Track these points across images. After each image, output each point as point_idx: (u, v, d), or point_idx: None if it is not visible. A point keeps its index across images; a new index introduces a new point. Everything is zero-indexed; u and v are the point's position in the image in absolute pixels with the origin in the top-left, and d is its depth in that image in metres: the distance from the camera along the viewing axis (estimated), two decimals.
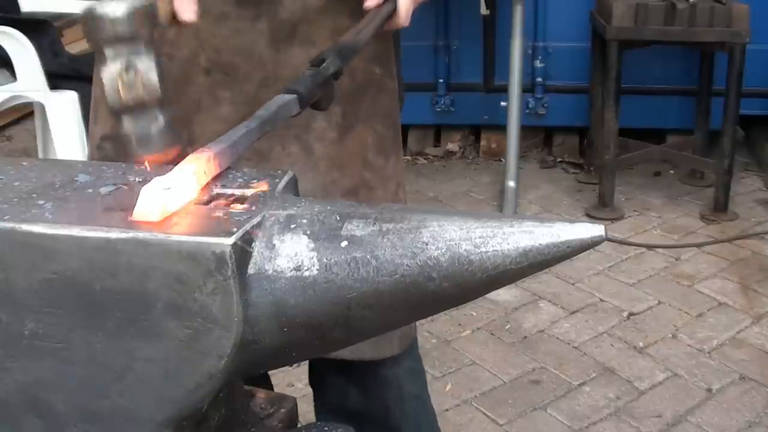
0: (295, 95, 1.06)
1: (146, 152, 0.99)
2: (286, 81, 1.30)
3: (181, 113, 1.32)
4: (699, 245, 3.42)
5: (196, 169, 0.87)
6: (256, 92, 1.32)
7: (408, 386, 1.63)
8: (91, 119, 1.45)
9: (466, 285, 0.81)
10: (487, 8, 3.88)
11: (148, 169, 0.95)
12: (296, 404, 1.07)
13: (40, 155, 3.62)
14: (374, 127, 1.43)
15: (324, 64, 1.11)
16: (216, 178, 0.91)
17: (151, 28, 1.00)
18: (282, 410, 1.04)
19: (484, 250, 0.80)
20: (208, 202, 0.87)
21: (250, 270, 0.82)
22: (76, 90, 3.19)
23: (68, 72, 3.40)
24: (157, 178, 0.83)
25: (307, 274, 0.82)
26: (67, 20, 3.66)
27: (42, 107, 3.35)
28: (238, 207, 0.85)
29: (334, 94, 1.13)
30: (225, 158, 0.92)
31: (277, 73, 1.33)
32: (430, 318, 2.60)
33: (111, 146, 1.39)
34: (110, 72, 0.98)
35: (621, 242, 3.42)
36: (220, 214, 0.83)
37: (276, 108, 1.04)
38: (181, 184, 0.84)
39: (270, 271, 0.82)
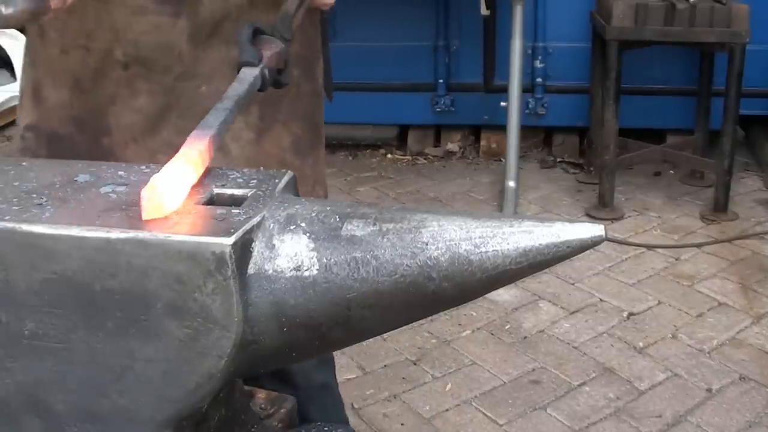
0: (257, 68, 1.04)
1: (9, 10, 0.95)
2: (204, 76, 1.31)
3: (97, 105, 1.33)
4: (699, 245, 3.41)
5: (193, 160, 0.88)
6: (173, 84, 1.32)
7: (316, 375, 1.68)
8: (18, 111, 1.46)
9: (466, 285, 0.81)
10: (487, 8, 3.88)
11: (147, 169, 0.95)
12: (296, 404, 1.07)
13: None
14: (291, 129, 1.44)
15: (276, 31, 1.10)
16: (214, 177, 0.91)
17: None
18: (282, 410, 1.04)
19: (484, 250, 0.80)
20: (208, 202, 0.87)
21: (250, 270, 0.82)
22: None
23: None
24: (156, 175, 0.84)
25: (307, 274, 0.82)
26: None
27: None
28: (238, 207, 0.85)
29: (290, 62, 1.12)
30: (213, 145, 0.93)
31: (196, 68, 1.33)
32: (430, 318, 2.60)
33: (32, 136, 1.40)
34: None
35: (621, 242, 3.42)
36: (220, 213, 0.83)
37: (248, 86, 1.02)
38: (180, 177, 0.85)
39: (270, 271, 0.82)
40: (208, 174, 0.92)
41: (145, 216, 0.81)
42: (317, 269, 0.82)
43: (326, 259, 0.82)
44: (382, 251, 0.81)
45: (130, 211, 0.84)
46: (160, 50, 1.30)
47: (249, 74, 1.04)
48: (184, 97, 1.32)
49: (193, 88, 1.32)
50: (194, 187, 0.88)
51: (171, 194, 0.83)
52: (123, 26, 1.30)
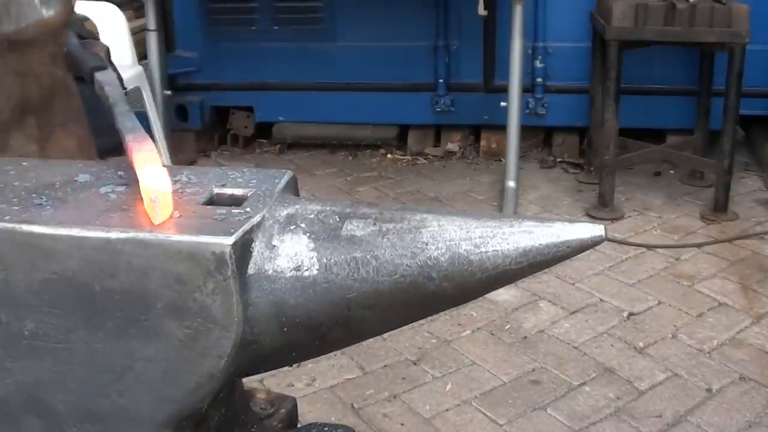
0: (108, 68, 1.06)
1: (48, 11, 0.94)
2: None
3: None
4: (699, 245, 3.41)
5: (154, 158, 0.88)
6: None
7: None
8: None
9: (466, 285, 0.81)
10: (485, 9, 3.88)
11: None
12: (296, 404, 1.07)
13: None
14: (71, 130, 1.37)
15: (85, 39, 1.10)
16: (214, 176, 0.91)
17: None
18: (282, 410, 1.04)
19: (484, 250, 0.80)
20: (208, 202, 0.87)
21: (250, 270, 0.82)
22: None
23: None
24: (145, 180, 0.84)
25: (307, 274, 0.82)
26: None
27: None
28: (237, 207, 0.85)
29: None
30: None
31: None
32: (430, 318, 2.60)
33: None
34: None
35: (621, 242, 3.42)
36: (220, 213, 0.83)
37: (118, 88, 1.03)
38: (163, 176, 0.85)
39: (270, 271, 0.82)
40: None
41: (156, 221, 0.81)
42: (317, 269, 0.82)
43: (326, 259, 0.82)
44: (382, 251, 0.81)
45: (130, 211, 0.84)
46: None
47: (109, 76, 1.05)
48: None
49: None
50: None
51: (168, 194, 0.83)
52: None
